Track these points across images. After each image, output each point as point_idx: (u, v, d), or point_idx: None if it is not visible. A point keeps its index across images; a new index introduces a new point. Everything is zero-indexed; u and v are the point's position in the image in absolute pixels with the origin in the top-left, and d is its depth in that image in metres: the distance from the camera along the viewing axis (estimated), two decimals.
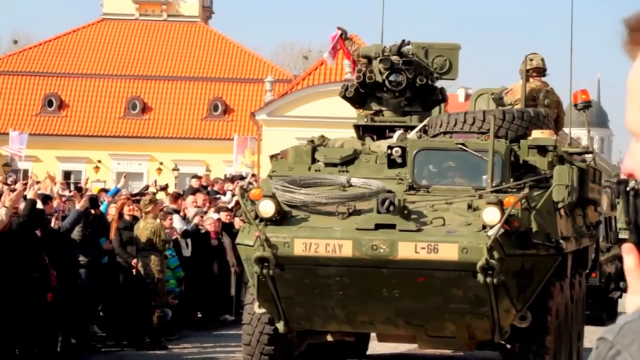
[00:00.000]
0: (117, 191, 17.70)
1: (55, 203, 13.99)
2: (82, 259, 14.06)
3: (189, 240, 16.65)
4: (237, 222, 17.08)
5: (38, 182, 14.05)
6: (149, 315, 14.55)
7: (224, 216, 17.88)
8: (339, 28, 12.89)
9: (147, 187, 19.67)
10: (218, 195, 19.75)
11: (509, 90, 12.31)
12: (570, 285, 11.73)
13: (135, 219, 15.00)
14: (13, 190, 13.17)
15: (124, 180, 19.07)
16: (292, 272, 10.05)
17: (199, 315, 17.55)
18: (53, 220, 13.29)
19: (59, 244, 13.26)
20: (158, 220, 14.89)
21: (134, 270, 14.57)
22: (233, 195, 19.15)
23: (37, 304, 12.38)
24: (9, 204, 11.47)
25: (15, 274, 11.96)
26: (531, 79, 12.22)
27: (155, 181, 21.27)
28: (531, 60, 12.30)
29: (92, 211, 14.39)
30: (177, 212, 16.85)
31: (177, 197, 17.57)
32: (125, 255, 14.62)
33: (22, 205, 12.33)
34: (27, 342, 12.48)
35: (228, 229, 17.72)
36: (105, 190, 17.29)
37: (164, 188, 20.21)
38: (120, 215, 14.83)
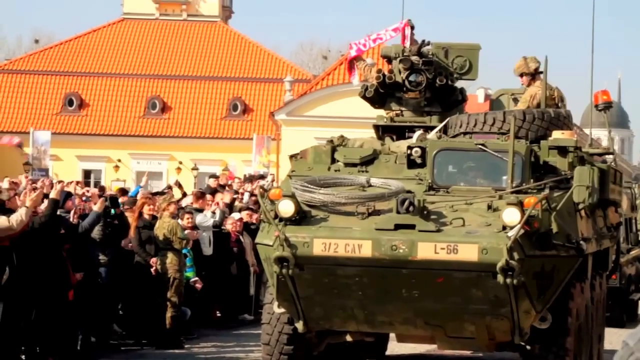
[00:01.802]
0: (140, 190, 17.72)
1: (76, 201, 14.03)
2: (102, 258, 14.09)
3: (211, 238, 16.67)
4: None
5: (60, 182, 14.07)
6: (165, 314, 14.59)
7: (244, 215, 17.90)
8: (408, 21, 12.65)
9: (169, 187, 19.68)
10: (237, 195, 19.73)
11: (531, 97, 12.21)
12: (591, 287, 11.68)
13: (155, 218, 15.03)
14: (35, 189, 13.20)
15: (145, 179, 19.12)
16: (312, 272, 10.04)
17: (218, 315, 17.57)
18: (71, 215, 13.34)
19: (79, 243, 13.30)
20: (174, 219, 14.93)
21: (152, 270, 14.60)
22: (251, 195, 19.16)
23: (57, 302, 12.42)
24: (29, 204, 11.50)
25: (36, 272, 12.00)
26: (538, 83, 12.19)
27: (177, 181, 21.23)
28: (536, 62, 12.29)
29: (113, 210, 14.41)
30: (201, 211, 16.86)
31: (200, 196, 17.58)
32: (143, 254, 14.66)
33: (43, 205, 12.36)
34: (47, 340, 12.53)
35: (248, 228, 17.73)
36: (124, 191, 17.29)
37: (178, 185, 20.23)
38: (140, 214, 14.87)
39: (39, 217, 12.07)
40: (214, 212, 17.05)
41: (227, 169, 39.79)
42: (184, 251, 15.28)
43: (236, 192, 19.83)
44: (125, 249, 14.56)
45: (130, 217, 14.84)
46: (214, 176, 21.48)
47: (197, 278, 15.78)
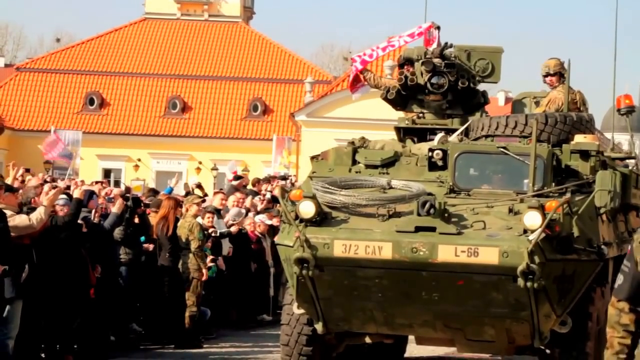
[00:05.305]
0: (171, 191, 17.79)
1: (99, 201, 14.08)
2: (123, 257, 14.13)
3: (227, 240, 16.69)
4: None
5: (82, 182, 14.14)
6: (184, 314, 14.62)
7: (264, 216, 17.89)
8: (432, 23, 12.62)
9: (191, 190, 19.71)
10: (257, 197, 19.75)
11: (549, 101, 12.21)
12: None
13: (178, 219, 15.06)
14: (54, 188, 13.25)
15: (175, 179, 19.23)
16: (332, 274, 10.04)
17: (236, 314, 17.57)
18: (93, 214, 13.39)
19: (100, 242, 13.34)
20: (195, 219, 14.95)
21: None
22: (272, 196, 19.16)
23: (77, 301, 12.46)
24: (47, 203, 11.56)
25: (56, 271, 12.05)
26: (560, 87, 12.16)
27: (198, 183, 21.22)
28: (562, 65, 12.28)
29: (137, 210, 14.45)
30: (219, 211, 16.89)
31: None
32: (176, 254, 14.69)
33: (60, 201, 12.40)
34: (67, 338, 12.58)
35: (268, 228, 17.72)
36: (155, 191, 17.38)
37: (199, 187, 20.28)
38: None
39: (63, 217, 12.13)
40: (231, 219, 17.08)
41: (247, 170, 39.85)
42: (207, 251, 15.32)
43: (256, 193, 19.85)
44: (147, 250, 14.60)
45: (155, 217, 14.89)
46: (238, 177, 21.46)
47: (219, 259, 15.76)
